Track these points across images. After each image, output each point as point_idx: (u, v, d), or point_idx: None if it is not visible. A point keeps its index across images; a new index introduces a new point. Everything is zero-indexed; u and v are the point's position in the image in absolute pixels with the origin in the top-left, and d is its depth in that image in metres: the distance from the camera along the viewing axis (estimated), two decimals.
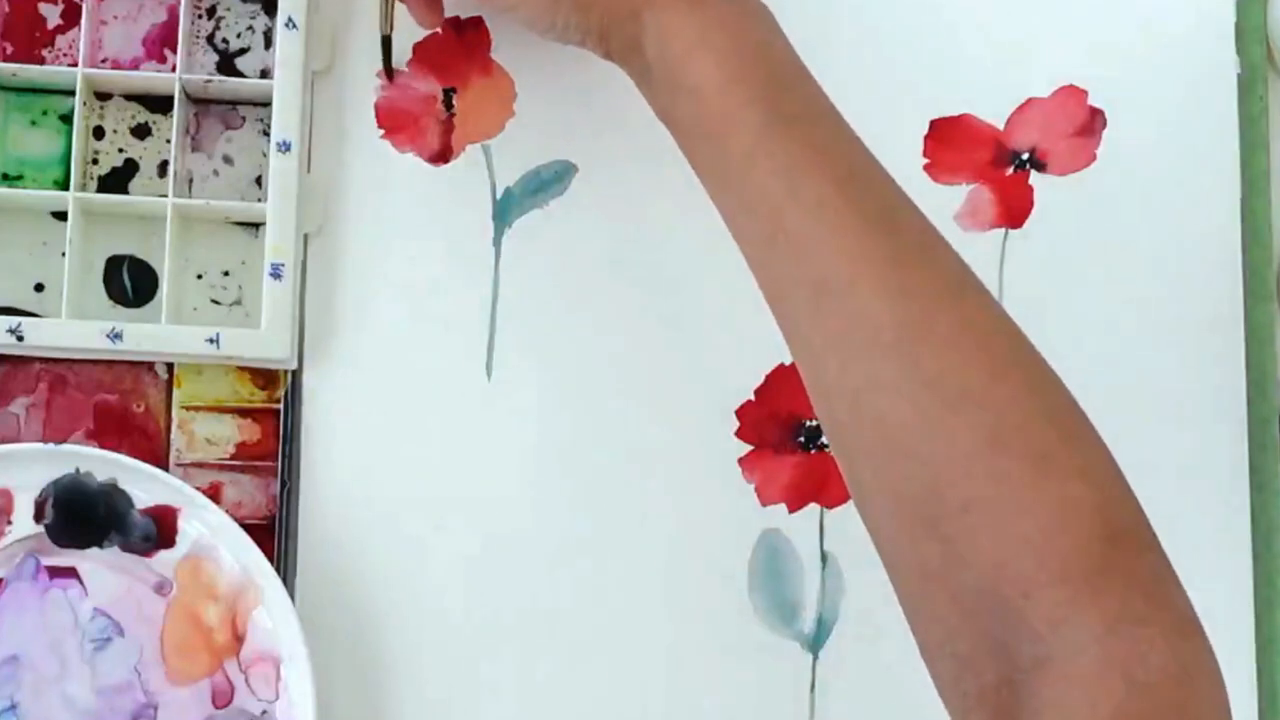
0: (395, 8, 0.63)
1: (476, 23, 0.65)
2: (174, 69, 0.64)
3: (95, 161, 0.65)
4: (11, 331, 0.61)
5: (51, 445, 0.60)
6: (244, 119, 0.66)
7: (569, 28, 0.57)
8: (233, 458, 0.63)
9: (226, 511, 0.60)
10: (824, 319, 0.50)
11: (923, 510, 0.47)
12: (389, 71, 0.64)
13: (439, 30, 0.65)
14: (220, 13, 0.66)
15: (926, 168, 0.67)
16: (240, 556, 0.60)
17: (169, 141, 0.64)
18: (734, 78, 0.53)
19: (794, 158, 0.51)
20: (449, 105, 0.65)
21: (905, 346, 0.48)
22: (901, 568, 0.49)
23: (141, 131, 0.65)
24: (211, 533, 0.61)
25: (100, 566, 0.61)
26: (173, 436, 0.63)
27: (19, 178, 0.64)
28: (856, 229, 0.50)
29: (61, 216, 0.63)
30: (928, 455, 0.47)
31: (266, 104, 0.64)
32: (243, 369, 0.64)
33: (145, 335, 0.62)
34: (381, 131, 0.65)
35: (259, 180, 0.65)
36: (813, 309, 0.50)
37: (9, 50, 0.65)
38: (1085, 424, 0.49)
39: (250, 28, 0.66)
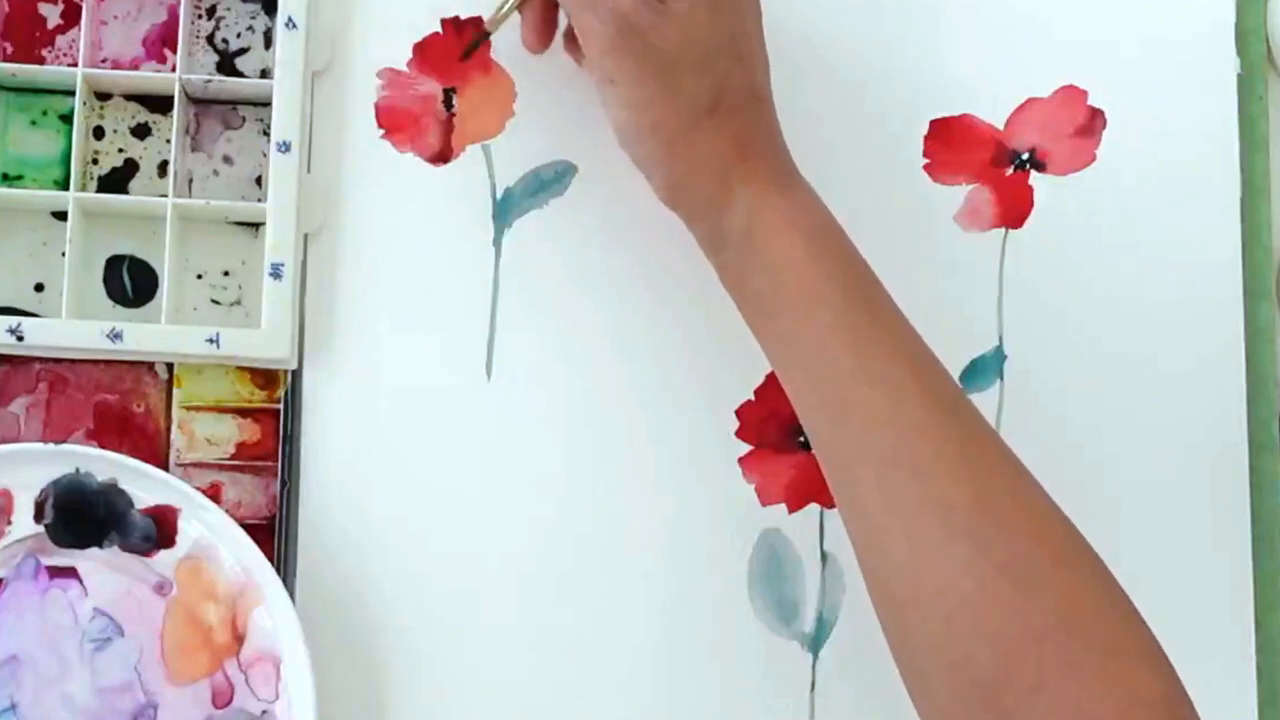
0: (508, 19, 0.62)
1: (476, 23, 0.65)
2: (174, 69, 0.64)
3: (95, 161, 0.65)
4: (11, 331, 0.61)
5: (51, 445, 0.60)
6: (244, 119, 0.66)
7: (648, 159, 0.58)
8: (233, 458, 0.63)
9: (226, 511, 0.60)
10: (891, 495, 0.52)
11: (988, 687, 0.49)
12: (466, 56, 0.64)
13: (438, 32, 0.65)
14: (220, 13, 0.66)
15: (926, 168, 0.67)
16: (240, 556, 0.60)
17: (169, 141, 0.64)
18: (819, 258, 0.55)
19: (870, 339, 0.54)
20: (449, 105, 0.65)
21: (978, 528, 0.50)
22: None
23: (141, 131, 0.65)
24: (211, 533, 0.61)
25: (100, 566, 0.61)
26: (173, 436, 0.63)
27: (19, 178, 0.64)
28: (930, 411, 0.52)
29: (61, 216, 0.63)
30: (997, 635, 0.49)
31: (266, 104, 0.64)
32: (243, 369, 0.64)
33: (145, 335, 0.62)
34: (381, 131, 0.65)
35: (259, 180, 0.65)
36: (879, 485, 0.52)
37: (9, 50, 0.65)
38: (1137, 610, 0.51)
39: (250, 28, 0.66)
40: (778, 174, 0.57)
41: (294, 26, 0.63)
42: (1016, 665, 0.48)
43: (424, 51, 0.65)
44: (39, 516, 0.61)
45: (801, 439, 0.64)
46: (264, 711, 0.61)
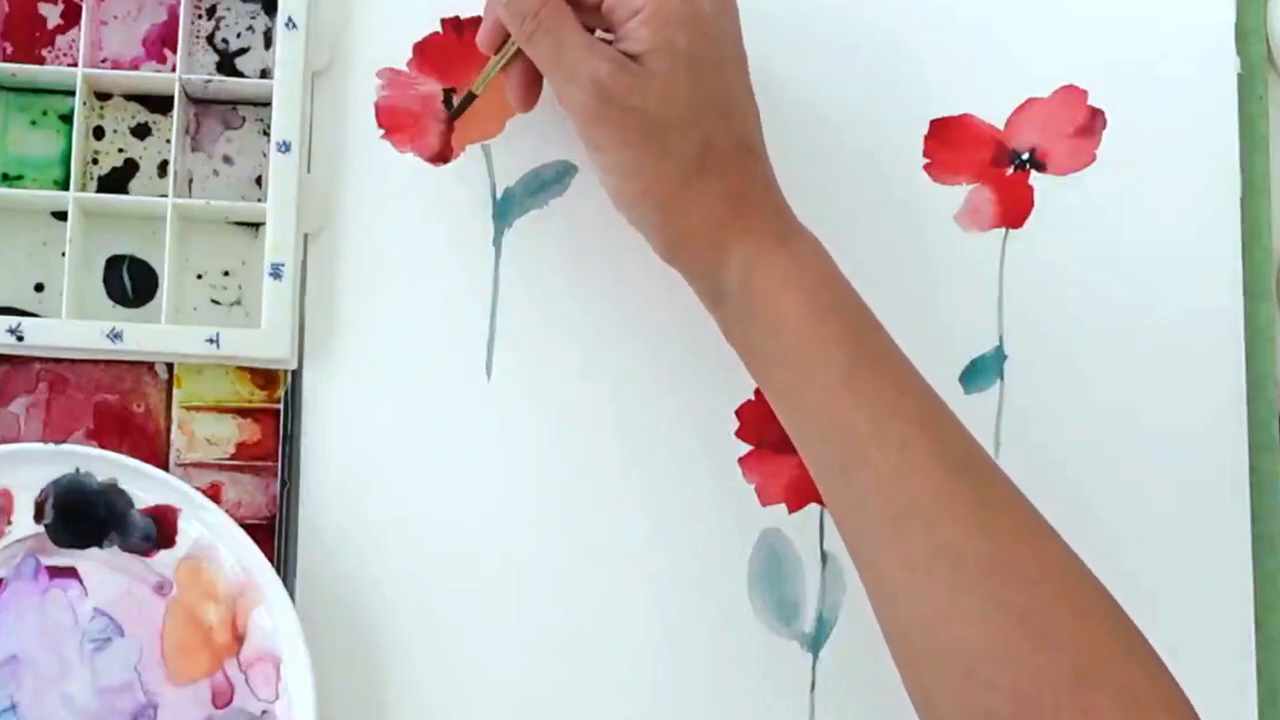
0: (494, 77, 0.61)
1: (476, 23, 0.65)
2: (174, 69, 0.64)
3: (95, 161, 0.65)
4: (11, 331, 0.61)
5: (51, 445, 0.60)
6: (244, 119, 0.66)
7: (642, 223, 0.58)
8: (233, 458, 0.63)
9: (226, 511, 0.60)
10: (903, 550, 0.52)
11: None
12: (455, 117, 0.64)
13: (438, 32, 0.65)
14: (220, 13, 0.66)
15: (926, 168, 0.67)
16: (240, 556, 0.60)
17: (169, 141, 0.64)
18: (821, 315, 0.55)
19: (879, 396, 0.53)
20: (449, 105, 0.65)
21: (990, 582, 0.50)
22: None
23: (141, 131, 0.65)
24: (211, 533, 0.61)
25: (100, 566, 0.61)
26: (173, 436, 0.63)
27: (19, 178, 0.64)
28: (941, 468, 0.52)
29: (61, 216, 0.63)
30: (1013, 686, 0.49)
31: (266, 104, 0.64)
32: (243, 369, 0.64)
33: (145, 335, 0.62)
34: (381, 131, 0.65)
35: (259, 180, 0.65)
36: (891, 539, 0.52)
37: (9, 50, 0.65)
38: (1159, 657, 0.50)
39: (250, 28, 0.66)
40: (774, 228, 0.56)
41: (294, 26, 0.63)
42: (1032, 717, 0.48)
43: (424, 51, 0.65)
44: (39, 516, 0.61)
45: None
46: (264, 711, 0.61)
